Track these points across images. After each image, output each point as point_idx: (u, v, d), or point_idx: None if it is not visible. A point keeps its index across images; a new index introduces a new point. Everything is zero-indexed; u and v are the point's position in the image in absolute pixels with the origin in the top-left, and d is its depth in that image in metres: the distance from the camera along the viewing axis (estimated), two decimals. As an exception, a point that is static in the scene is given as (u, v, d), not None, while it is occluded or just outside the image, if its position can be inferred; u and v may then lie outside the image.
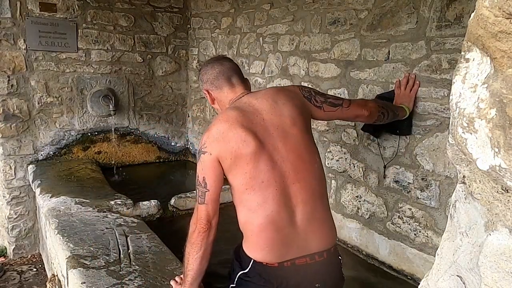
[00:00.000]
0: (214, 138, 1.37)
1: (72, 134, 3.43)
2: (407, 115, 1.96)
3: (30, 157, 3.23)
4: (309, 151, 1.44)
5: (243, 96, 1.50)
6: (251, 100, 1.46)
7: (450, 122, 0.66)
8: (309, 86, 2.66)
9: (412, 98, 1.98)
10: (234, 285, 1.43)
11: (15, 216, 3.21)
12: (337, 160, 2.51)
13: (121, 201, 2.45)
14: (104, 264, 1.71)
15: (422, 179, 2.03)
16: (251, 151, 1.33)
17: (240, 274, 1.41)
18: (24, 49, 3.09)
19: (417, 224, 2.06)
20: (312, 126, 2.72)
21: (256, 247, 1.36)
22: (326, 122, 2.54)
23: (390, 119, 1.87)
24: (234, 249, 1.49)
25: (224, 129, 1.37)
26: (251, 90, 1.58)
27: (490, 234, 0.59)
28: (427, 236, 2.02)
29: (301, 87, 1.62)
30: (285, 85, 2.84)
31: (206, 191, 1.35)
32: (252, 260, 1.36)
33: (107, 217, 2.24)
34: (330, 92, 2.51)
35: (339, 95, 2.46)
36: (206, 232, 1.36)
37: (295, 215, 1.35)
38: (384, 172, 2.19)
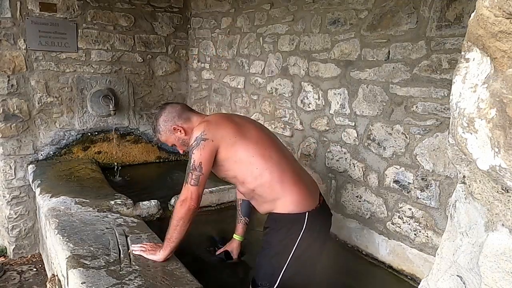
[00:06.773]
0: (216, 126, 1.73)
1: (72, 134, 3.43)
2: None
3: (30, 157, 3.23)
4: None
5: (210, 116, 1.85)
6: (223, 116, 1.87)
7: (450, 122, 0.66)
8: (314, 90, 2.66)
9: None
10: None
11: (15, 216, 3.21)
12: (337, 160, 2.51)
13: (121, 201, 2.45)
14: (104, 264, 1.71)
15: (422, 179, 2.03)
16: None
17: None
18: (24, 49, 3.09)
19: (417, 224, 2.06)
20: (312, 126, 2.72)
21: None
22: (326, 121, 2.54)
23: None
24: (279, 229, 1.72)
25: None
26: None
27: (490, 234, 0.59)
28: (427, 236, 2.02)
29: None
30: (284, 85, 2.86)
31: (200, 175, 1.67)
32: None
33: (107, 217, 2.23)
34: (330, 92, 2.52)
35: (339, 95, 2.46)
36: (195, 210, 1.69)
37: None
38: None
